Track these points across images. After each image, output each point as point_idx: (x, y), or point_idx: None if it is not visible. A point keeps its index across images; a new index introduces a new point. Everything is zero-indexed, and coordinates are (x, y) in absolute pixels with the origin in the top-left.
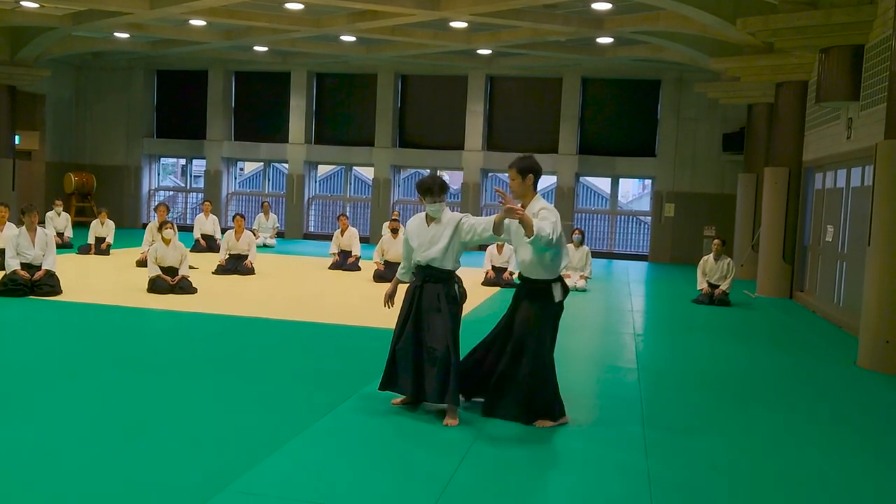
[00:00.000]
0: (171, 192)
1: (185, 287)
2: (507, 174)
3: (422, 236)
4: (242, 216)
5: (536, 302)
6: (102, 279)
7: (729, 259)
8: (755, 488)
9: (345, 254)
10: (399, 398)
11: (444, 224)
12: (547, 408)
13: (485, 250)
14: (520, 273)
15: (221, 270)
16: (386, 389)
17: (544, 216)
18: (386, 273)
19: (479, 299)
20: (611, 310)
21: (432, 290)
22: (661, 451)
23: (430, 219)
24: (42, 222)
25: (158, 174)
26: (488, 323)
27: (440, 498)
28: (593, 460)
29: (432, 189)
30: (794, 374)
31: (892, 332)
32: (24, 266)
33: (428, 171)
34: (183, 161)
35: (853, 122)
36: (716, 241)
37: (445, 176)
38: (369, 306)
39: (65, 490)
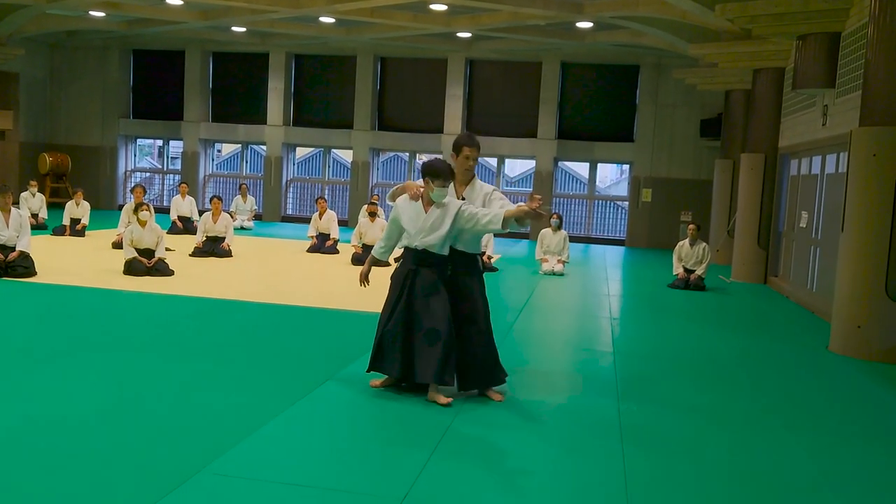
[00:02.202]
0: (148, 174)
1: (161, 269)
2: (486, 158)
3: (419, 221)
4: (220, 198)
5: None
6: (77, 261)
7: (704, 244)
8: (727, 470)
9: (323, 237)
10: (379, 380)
11: (447, 210)
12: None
13: None
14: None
15: (198, 253)
16: (373, 371)
17: (500, 197)
18: (363, 256)
19: None
20: (588, 294)
21: (428, 274)
22: (636, 432)
23: (428, 203)
24: (16, 203)
25: (135, 155)
26: None
27: (418, 478)
28: (570, 440)
29: (444, 173)
30: (766, 358)
31: (863, 318)
32: None
33: (407, 154)
34: (160, 142)
35: (829, 109)
36: (691, 226)
37: (424, 159)
38: (347, 289)
39: (39, 472)
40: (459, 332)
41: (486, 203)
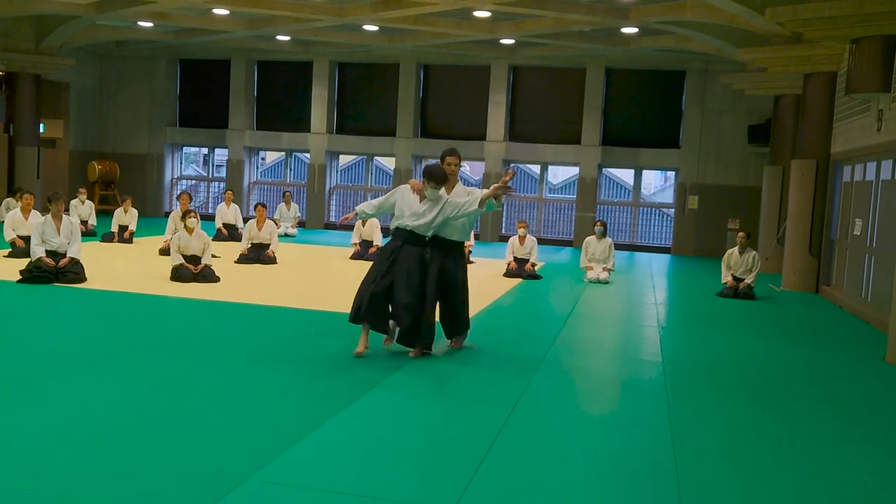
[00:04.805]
0: (194, 181)
1: (207, 276)
2: (529, 165)
3: (412, 207)
4: (264, 205)
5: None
6: (126, 267)
7: (754, 252)
8: (783, 483)
9: (366, 244)
10: (362, 345)
11: (436, 203)
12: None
13: (506, 241)
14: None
15: (244, 259)
16: (355, 322)
17: (472, 191)
18: None
19: (502, 290)
20: (634, 302)
21: (411, 250)
22: (688, 442)
23: (423, 196)
24: (66, 210)
25: (181, 163)
26: (510, 314)
27: (468, 486)
28: (620, 453)
29: (436, 177)
30: (821, 369)
31: None
32: (49, 253)
33: None
34: (205, 150)
35: (884, 113)
36: (741, 233)
37: (466, 167)
38: None
39: (88, 477)
40: (444, 297)
41: (444, 207)
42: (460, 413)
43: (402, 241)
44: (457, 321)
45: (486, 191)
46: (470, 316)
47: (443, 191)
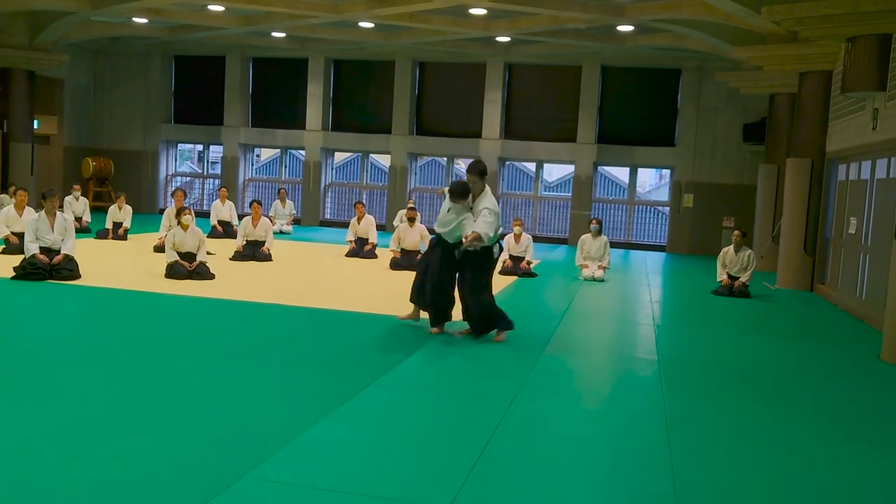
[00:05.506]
0: (188, 178)
1: (202, 273)
2: (524, 163)
3: (441, 215)
4: (259, 203)
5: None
6: (120, 264)
7: (750, 251)
8: (779, 482)
9: (361, 241)
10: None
11: (458, 216)
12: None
13: (502, 240)
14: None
15: (239, 257)
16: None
17: (485, 216)
18: (402, 261)
19: (497, 288)
20: (629, 300)
21: (437, 251)
22: (684, 441)
23: (448, 207)
24: (61, 207)
25: (175, 160)
26: (506, 312)
27: (464, 484)
28: (616, 451)
29: (455, 194)
30: (816, 367)
31: None
32: (43, 250)
33: (445, 159)
34: (200, 147)
35: (879, 112)
36: (736, 232)
37: (461, 164)
38: (386, 294)
39: (82, 475)
40: (462, 291)
41: (461, 223)
42: (456, 410)
43: (434, 242)
44: (473, 317)
45: (468, 233)
46: (479, 316)
47: (469, 200)
